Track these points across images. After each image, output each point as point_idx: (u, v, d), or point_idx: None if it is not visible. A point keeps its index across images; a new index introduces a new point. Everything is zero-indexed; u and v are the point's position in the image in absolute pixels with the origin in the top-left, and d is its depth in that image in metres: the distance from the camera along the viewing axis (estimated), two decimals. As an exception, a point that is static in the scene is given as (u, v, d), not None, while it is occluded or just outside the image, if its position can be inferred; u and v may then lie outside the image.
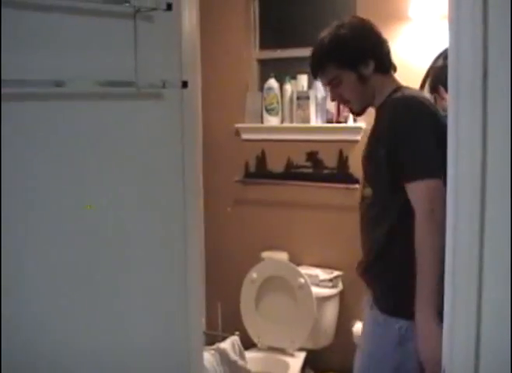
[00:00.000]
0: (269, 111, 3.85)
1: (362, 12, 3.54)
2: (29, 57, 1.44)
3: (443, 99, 3.41)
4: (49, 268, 1.52)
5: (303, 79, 3.77)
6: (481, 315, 1.40)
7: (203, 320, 2.23)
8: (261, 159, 3.94)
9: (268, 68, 3.96)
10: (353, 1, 3.61)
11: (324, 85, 2.32)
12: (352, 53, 2.18)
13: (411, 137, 2.01)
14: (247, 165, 3.99)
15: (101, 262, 1.63)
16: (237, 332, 3.15)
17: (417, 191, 1.97)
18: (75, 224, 1.56)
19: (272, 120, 3.86)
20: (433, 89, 3.41)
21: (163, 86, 1.66)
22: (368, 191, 2.20)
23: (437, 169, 1.89)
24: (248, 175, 4.00)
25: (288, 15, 3.95)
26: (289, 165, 3.84)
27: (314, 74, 2.28)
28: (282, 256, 3.83)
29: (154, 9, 1.63)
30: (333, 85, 2.24)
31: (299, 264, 3.71)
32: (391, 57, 2.26)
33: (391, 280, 2.11)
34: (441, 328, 1.71)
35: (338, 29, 2.20)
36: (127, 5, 1.59)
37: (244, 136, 3.98)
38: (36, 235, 1.49)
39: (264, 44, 4.03)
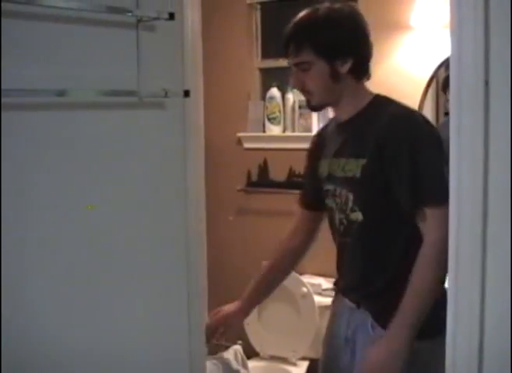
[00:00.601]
0: (271, 120, 3.86)
1: (364, 21, 3.55)
2: (31, 66, 1.44)
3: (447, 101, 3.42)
4: (51, 274, 1.52)
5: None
6: (484, 324, 1.40)
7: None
8: (263, 168, 3.94)
9: (270, 77, 3.97)
10: (355, 10, 3.61)
11: (291, 64, 2.05)
12: (336, 44, 1.98)
13: (433, 160, 1.89)
14: (249, 174, 3.99)
15: (102, 271, 1.63)
16: (240, 342, 3.14)
17: (440, 217, 1.77)
18: (77, 236, 1.56)
19: (274, 129, 3.86)
20: (444, 88, 3.39)
21: (165, 95, 1.66)
22: (356, 215, 2.04)
23: None
24: (250, 184, 3.99)
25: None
26: (291, 174, 3.83)
27: (286, 48, 2.03)
28: (285, 265, 3.82)
29: (156, 19, 1.63)
30: (300, 70, 2.02)
31: (301, 273, 3.70)
32: (370, 64, 2.08)
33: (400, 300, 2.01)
34: (405, 353, 1.83)
35: (329, 11, 2.01)
36: (129, 14, 1.59)
37: (246, 145, 3.98)
38: (39, 242, 1.49)
39: (267, 53, 4.04)
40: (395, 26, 3.43)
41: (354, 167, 2.00)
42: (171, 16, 1.63)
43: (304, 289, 3.54)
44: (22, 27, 1.42)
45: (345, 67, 2.00)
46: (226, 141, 4.01)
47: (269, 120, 3.87)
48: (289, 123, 3.83)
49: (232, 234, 4.06)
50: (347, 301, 2.18)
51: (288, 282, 3.62)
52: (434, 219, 1.87)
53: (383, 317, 2.01)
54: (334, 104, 2.10)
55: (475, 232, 1.40)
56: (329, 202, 2.17)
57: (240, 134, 3.98)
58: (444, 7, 2.99)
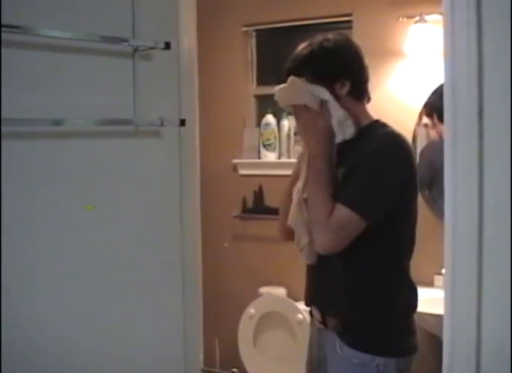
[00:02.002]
0: (266, 147, 3.87)
1: (358, 49, 3.58)
2: (29, 95, 1.45)
3: (434, 126, 3.44)
4: (56, 288, 1.52)
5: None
6: (481, 326, 1.41)
7: (201, 357, 2.21)
8: (259, 195, 3.94)
9: (266, 104, 3.98)
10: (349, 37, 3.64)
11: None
12: (332, 68, 2.07)
13: (376, 172, 1.98)
14: (244, 201, 3.99)
15: (98, 296, 1.62)
16: (235, 369, 3.12)
17: (337, 212, 1.93)
18: (75, 258, 1.56)
19: (270, 156, 3.87)
20: (428, 114, 3.42)
21: (161, 124, 1.67)
22: None
23: (374, 213, 1.95)
24: (246, 210, 3.99)
25: (285, 51, 3.97)
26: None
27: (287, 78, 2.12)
28: (281, 291, 3.81)
29: (152, 48, 1.64)
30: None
31: (297, 300, 3.69)
32: (368, 87, 2.14)
33: (371, 316, 2.05)
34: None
35: (323, 42, 2.10)
36: (125, 44, 1.60)
37: (242, 171, 3.99)
38: (39, 268, 1.49)
39: (262, 80, 4.05)
40: (389, 53, 3.46)
41: (337, 176, 2.07)
42: (167, 45, 1.65)
43: (300, 316, 3.53)
44: (20, 57, 1.43)
45: (344, 90, 2.06)
46: (222, 167, 4.01)
47: (264, 146, 3.88)
48: (285, 150, 3.85)
49: (227, 260, 4.05)
50: (316, 322, 2.19)
51: (284, 309, 3.62)
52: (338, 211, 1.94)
53: (348, 336, 2.05)
54: None
55: (471, 268, 1.41)
56: None
57: (235, 161, 3.99)
58: (438, 35, 3.02)
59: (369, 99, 2.17)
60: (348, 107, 2.08)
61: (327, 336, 2.14)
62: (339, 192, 1.98)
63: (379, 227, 1.99)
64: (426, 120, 3.44)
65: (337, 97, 2.06)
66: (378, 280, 2.04)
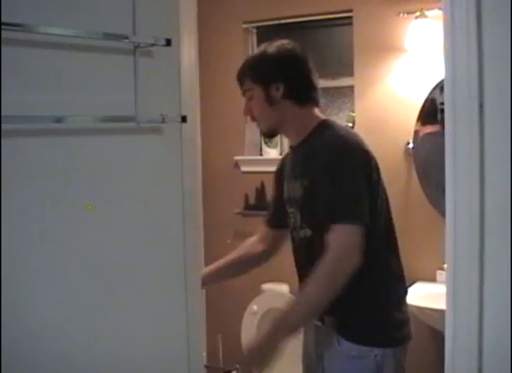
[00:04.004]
0: (268, 143, 3.88)
1: (359, 44, 3.59)
2: (30, 93, 1.45)
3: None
4: (56, 286, 1.53)
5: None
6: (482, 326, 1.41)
7: (204, 353, 2.22)
8: (261, 191, 3.95)
9: (267, 101, 3.98)
10: (350, 34, 3.65)
11: (242, 94, 2.32)
12: (265, 70, 2.21)
13: (346, 179, 2.05)
14: (246, 198, 3.99)
15: (100, 292, 1.62)
16: (238, 366, 3.12)
17: (341, 233, 2.01)
18: (76, 258, 1.56)
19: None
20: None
21: (163, 121, 1.67)
22: (305, 232, 2.18)
23: (365, 215, 2.02)
24: (248, 207, 4.00)
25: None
26: (289, 196, 3.84)
27: (238, 82, 2.30)
28: (283, 287, 3.82)
29: (153, 45, 1.64)
30: (246, 98, 2.26)
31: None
32: (314, 92, 2.25)
33: (366, 311, 2.12)
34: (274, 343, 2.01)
35: (266, 48, 2.27)
36: (126, 41, 1.60)
37: (243, 168, 4.00)
38: (40, 266, 1.49)
39: (263, 77, 4.05)
40: (389, 48, 3.46)
41: (298, 188, 2.18)
42: (168, 42, 1.65)
43: (303, 312, 3.52)
44: (21, 54, 1.43)
45: (279, 93, 2.19)
46: (224, 164, 4.02)
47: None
48: (286, 146, 3.84)
49: (230, 257, 4.05)
50: (313, 320, 2.24)
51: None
52: (334, 234, 2.02)
53: (347, 331, 2.12)
54: (282, 130, 2.29)
55: (472, 262, 1.41)
56: (290, 222, 2.30)
57: (237, 158, 3.99)
58: (438, 30, 3.02)
59: (316, 104, 2.25)
60: (285, 110, 2.20)
61: (324, 332, 2.19)
62: (326, 212, 2.04)
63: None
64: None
65: (272, 99, 2.19)
66: (368, 277, 2.08)
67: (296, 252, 2.30)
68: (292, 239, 2.30)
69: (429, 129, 3.44)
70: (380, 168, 2.14)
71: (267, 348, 2.06)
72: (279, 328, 2.04)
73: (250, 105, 2.25)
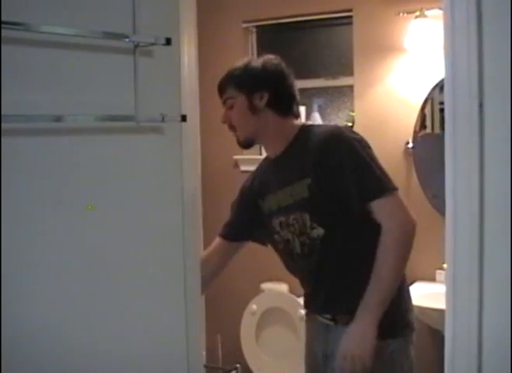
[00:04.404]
0: (267, 143, 3.87)
1: (359, 44, 3.59)
2: (29, 92, 1.45)
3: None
4: (56, 285, 1.53)
5: (301, 110, 3.78)
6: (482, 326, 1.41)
7: (203, 353, 2.22)
8: (260, 191, 3.94)
9: (266, 100, 3.98)
10: (350, 33, 3.65)
11: (222, 103, 2.33)
12: (251, 78, 2.22)
13: (360, 161, 2.10)
14: (246, 197, 3.99)
15: (99, 292, 1.63)
16: (238, 365, 3.12)
17: (387, 205, 2.08)
18: (76, 256, 1.56)
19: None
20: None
21: (163, 120, 1.67)
22: (317, 231, 2.17)
23: (391, 181, 2.10)
24: (247, 206, 3.99)
25: (286, 47, 3.98)
26: (288, 196, 3.83)
27: (218, 91, 2.32)
28: (282, 287, 3.82)
29: (153, 44, 1.64)
30: (227, 106, 2.27)
31: (299, 295, 3.68)
32: (295, 105, 2.28)
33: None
34: (372, 333, 2.01)
35: (250, 60, 2.30)
36: (126, 40, 1.60)
37: (243, 167, 3.99)
38: (40, 266, 1.49)
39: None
40: (389, 48, 3.46)
41: (300, 189, 2.16)
42: (168, 41, 1.65)
43: (302, 311, 3.51)
44: (21, 53, 1.43)
45: (262, 101, 2.21)
46: (223, 163, 4.02)
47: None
48: (286, 146, 3.85)
49: (229, 256, 4.04)
50: (321, 319, 2.24)
51: (286, 304, 3.62)
52: (383, 209, 2.08)
53: None
54: (261, 140, 2.30)
55: (472, 259, 1.41)
56: (283, 234, 2.29)
57: (236, 157, 3.99)
58: (438, 30, 3.02)
59: (297, 117, 2.30)
60: (267, 119, 2.22)
61: (336, 333, 2.17)
62: (361, 194, 2.08)
63: (366, 220, 2.09)
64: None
65: (256, 108, 2.21)
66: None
67: (303, 258, 2.25)
68: (291, 251, 2.29)
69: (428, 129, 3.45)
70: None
71: (366, 350, 2.03)
72: (366, 316, 2.05)
73: (230, 113, 2.27)
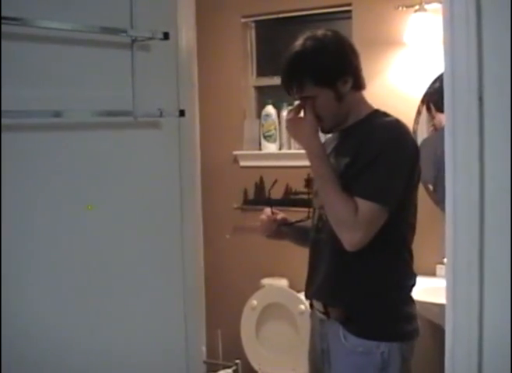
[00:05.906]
0: (267, 138, 3.86)
1: (358, 38, 3.57)
2: (28, 87, 1.45)
3: (433, 118, 3.44)
4: (55, 284, 1.54)
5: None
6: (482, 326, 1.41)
7: (203, 349, 2.22)
8: (260, 186, 3.94)
9: (266, 95, 3.98)
10: (348, 27, 3.63)
11: (296, 99, 2.17)
12: (332, 70, 2.06)
13: (390, 163, 2.01)
14: (245, 192, 3.99)
15: (99, 287, 1.63)
16: (238, 361, 3.12)
17: (367, 211, 1.96)
18: (75, 252, 1.56)
19: (270, 147, 3.87)
20: (426, 107, 3.43)
21: (161, 115, 1.67)
22: None
23: (392, 201, 1.98)
24: (247, 202, 3.99)
25: (284, 42, 3.97)
26: (288, 191, 3.83)
27: (288, 88, 2.11)
28: (283, 282, 3.82)
29: (151, 39, 1.64)
30: (307, 104, 2.09)
31: (299, 291, 3.69)
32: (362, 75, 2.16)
33: (373, 301, 2.08)
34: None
35: (315, 43, 2.08)
36: (124, 35, 1.60)
37: (242, 163, 3.99)
38: (39, 261, 1.49)
39: (262, 71, 4.05)
40: (388, 42, 3.45)
41: (338, 165, 2.09)
42: (166, 36, 1.64)
43: (302, 306, 3.53)
44: (19, 49, 1.42)
45: (347, 86, 2.08)
46: (222, 159, 4.01)
47: (265, 137, 3.87)
48: (285, 141, 3.84)
49: (229, 252, 4.05)
50: (318, 314, 2.21)
51: (286, 300, 3.62)
52: (361, 210, 1.96)
53: (352, 325, 2.08)
54: (344, 120, 2.15)
55: (471, 255, 1.41)
56: (314, 202, 2.24)
57: (236, 153, 3.99)
58: (438, 24, 3.01)
59: (364, 86, 2.17)
60: (351, 101, 2.11)
61: (330, 327, 2.16)
62: (355, 186, 2.00)
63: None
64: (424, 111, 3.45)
65: (342, 95, 2.08)
66: (379, 269, 2.07)
67: (315, 232, 2.21)
68: (312, 221, 2.23)
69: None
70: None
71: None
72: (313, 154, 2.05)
73: (309, 106, 2.08)
